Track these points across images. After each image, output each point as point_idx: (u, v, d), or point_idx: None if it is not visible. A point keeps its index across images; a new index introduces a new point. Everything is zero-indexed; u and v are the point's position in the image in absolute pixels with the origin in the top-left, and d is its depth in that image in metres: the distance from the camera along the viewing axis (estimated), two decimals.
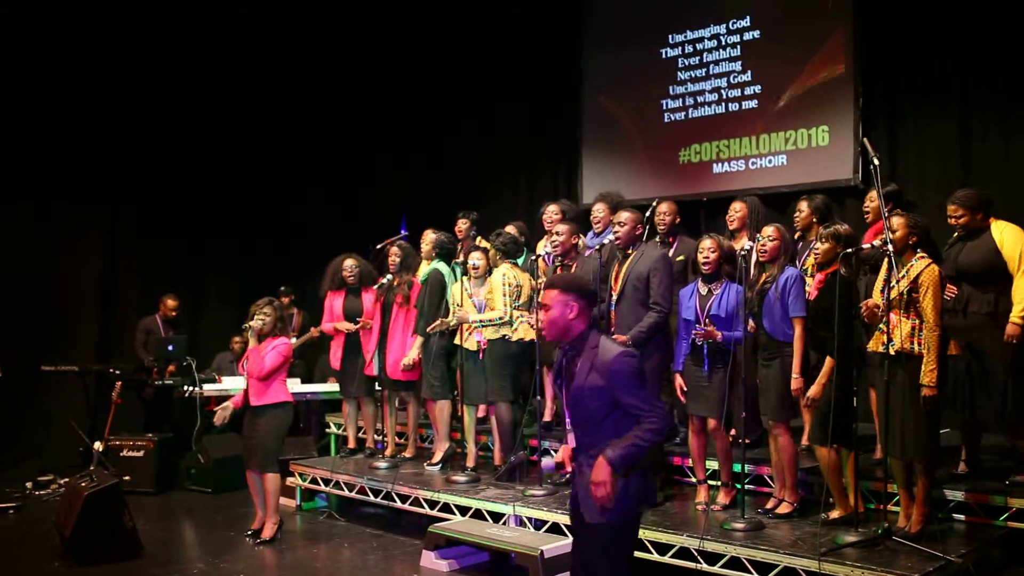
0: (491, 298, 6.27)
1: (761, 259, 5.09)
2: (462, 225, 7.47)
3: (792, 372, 4.88)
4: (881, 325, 4.66)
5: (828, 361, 4.70)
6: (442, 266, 6.84)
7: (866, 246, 4.83)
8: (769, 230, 5.10)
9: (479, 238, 7.35)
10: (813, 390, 4.75)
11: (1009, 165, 6.62)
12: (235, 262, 10.79)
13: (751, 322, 5.13)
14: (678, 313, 5.38)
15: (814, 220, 5.87)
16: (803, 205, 6.06)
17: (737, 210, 6.20)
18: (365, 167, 10.86)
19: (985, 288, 4.99)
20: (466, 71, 10.20)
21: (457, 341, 6.48)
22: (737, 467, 5.31)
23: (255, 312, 6.14)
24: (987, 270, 4.97)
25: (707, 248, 5.23)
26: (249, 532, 6.31)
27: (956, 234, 5.22)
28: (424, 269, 6.97)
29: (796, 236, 6.11)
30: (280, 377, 6.16)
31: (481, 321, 6.21)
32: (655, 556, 4.92)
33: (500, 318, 6.17)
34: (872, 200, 5.63)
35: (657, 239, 6.36)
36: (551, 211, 6.76)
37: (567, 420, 3.50)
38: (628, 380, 3.27)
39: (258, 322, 6.07)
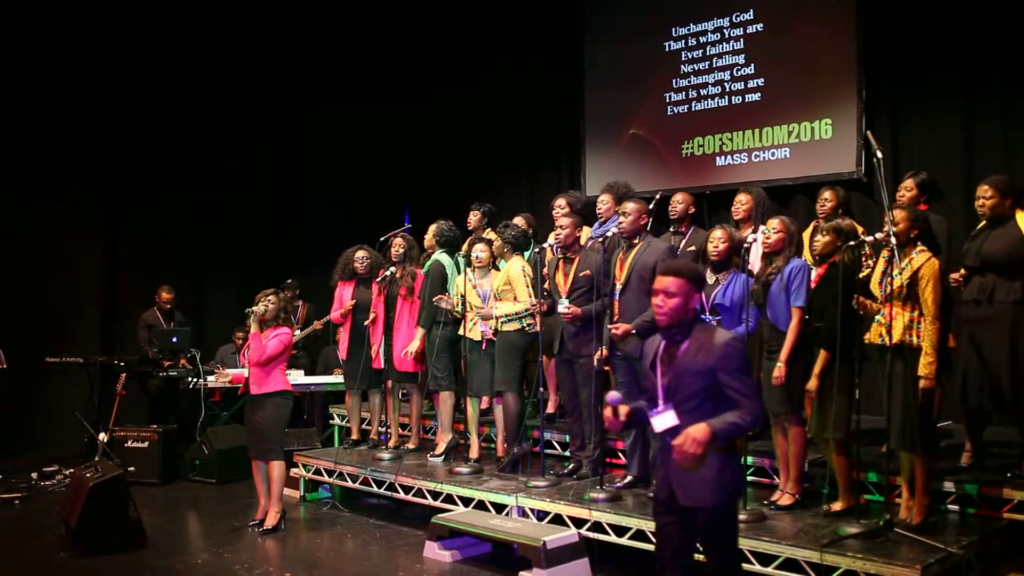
0: (507, 289, 6.25)
1: (766, 251, 5.09)
2: (473, 218, 7.47)
3: (778, 360, 4.88)
4: (879, 317, 4.67)
5: (822, 354, 4.71)
6: (443, 257, 6.86)
7: (868, 238, 4.83)
8: (774, 222, 5.10)
9: (489, 230, 7.36)
10: (811, 383, 4.76)
11: (1011, 159, 6.60)
12: (236, 257, 10.83)
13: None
14: None
15: (839, 211, 5.85)
16: (828, 194, 6.03)
17: (743, 202, 6.19)
18: (366, 163, 10.86)
19: (1011, 277, 4.92)
20: (467, 65, 10.18)
21: (461, 332, 6.50)
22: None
23: (259, 299, 6.20)
24: (1013, 259, 4.92)
25: (717, 238, 5.24)
26: (253, 522, 6.34)
27: (980, 224, 5.17)
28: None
29: (813, 224, 6.08)
30: (280, 366, 6.21)
31: (508, 316, 6.19)
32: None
33: (527, 310, 6.17)
34: (908, 190, 5.61)
35: (671, 229, 6.37)
36: (558, 204, 6.78)
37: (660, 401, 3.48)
38: (737, 364, 3.34)
39: (261, 307, 6.14)
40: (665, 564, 3.52)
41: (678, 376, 3.39)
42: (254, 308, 6.15)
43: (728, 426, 3.27)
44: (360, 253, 7.20)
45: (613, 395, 3.51)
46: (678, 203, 6.35)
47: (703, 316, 5.16)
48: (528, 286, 6.20)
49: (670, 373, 3.42)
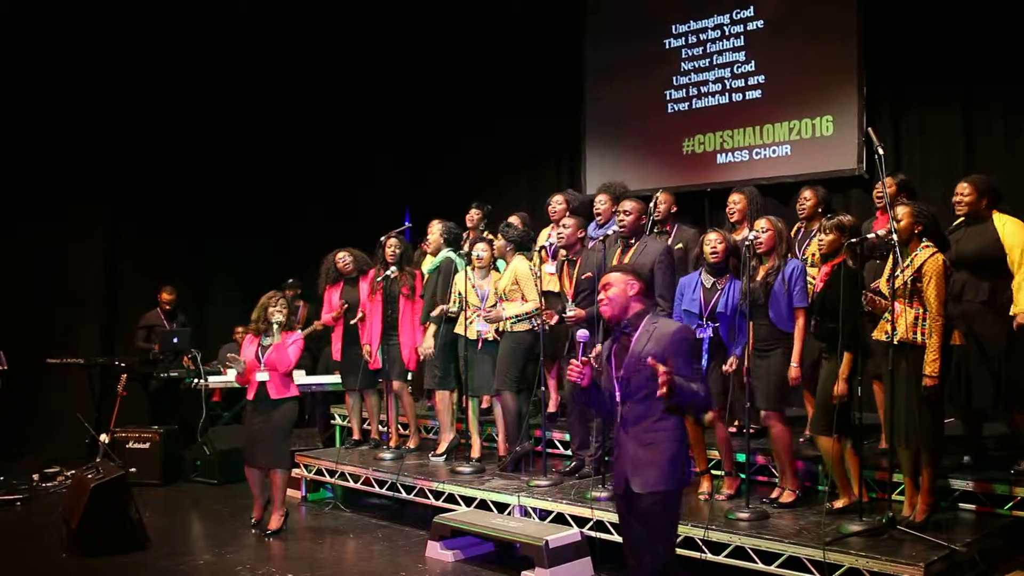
0: (515, 289, 6.22)
1: (758, 251, 5.08)
2: (474, 215, 7.46)
3: (792, 361, 4.88)
4: (886, 314, 4.66)
5: (847, 356, 4.66)
6: (453, 255, 6.84)
7: (871, 236, 4.82)
8: (762, 223, 5.12)
9: (486, 231, 7.35)
10: (840, 387, 4.68)
11: (1013, 157, 6.59)
12: (236, 257, 10.84)
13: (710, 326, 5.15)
14: (676, 302, 5.36)
15: (819, 209, 5.88)
16: (808, 193, 6.06)
17: (736, 202, 6.19)
18: (365, 163, 10.84)
19: (982, 276, 5.01)
20: (467, 63, 10.17)
21: (459, 330, 6.48)
22: (741, 457, 5.30)
23: (268, 305, 6.18)
24: (985, 259, 4.99)
25: (714, 240, 5.20)
26: (253, 523, 6.34)
27: (956, 222, 5.24)
28: (432, 260, 6.97)
29: (798, 226, 6.10)
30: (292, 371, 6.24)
31: (518, 316, 6.16)
32: None
33: (536, 308, 6.14)
34: (888, 186, 5.61)
35: (655, 229, 6.36)
36: (555, 201, 6.77)
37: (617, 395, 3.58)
38: (686, 351, 3.48)
39: (280, 316, 6.13)
40: (632, 557, 3.59)
41: (630, 364, 3.47)
42: (274, 319, 6.10)
43: (687, 388, 3.35)
44: (341, 254, 7.21)
45: (583, 333, 3.60)
46: (660, 203, 6.34)
47: (701, 323, 5.15)
48: (537, 284, 6.18)
49: (626, 362, 3.51)
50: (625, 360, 3.52)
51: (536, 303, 6.11)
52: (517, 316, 6.16)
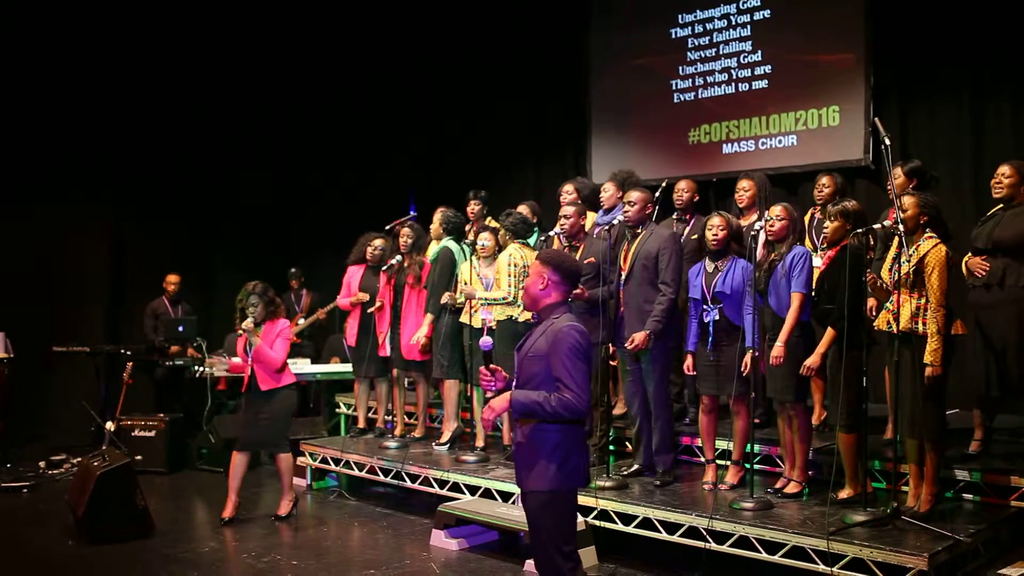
0: (500, 278, 6.28)
1: (769, 238, 5.07)
2: (474, 206, 7.46)
3: (778, 341, 4.89)
4: (888, 304, 4.65)
5: (829, 332, 4.69)
6: (452, 244, 6.85)
7: (876, 226, 4.81)
8: (777, 209, 5.10)
9: (489, 218, 7.34)
10: (812, 359, 4.75)
11: (1021, 145, 6.55)
12: (241, 245, 10.86)
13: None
14: (688, 292, 5.38)
15: (835, 196, 5.84)
16: (826, 180, 6.03)
17: (746, 188, 6.17)
18: (371, 152, 10.83)
19: (1022, 261, 4.96)
20: (472, 55, 10.13)
21: (464, 319, 6.49)
22: (747, 447, 5.31)
23: (239, 304, 6.09)
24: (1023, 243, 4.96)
25: (716, 226, 5.22)
26: (223, 521, 6.18)
27: (993, 209, 5.19)
28: (434, 248, 6.97)
29: (811, 211, 6.07)
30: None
31: (486, 299, 6.23)
32: (664, 535, 4.93)
33: (504, 298, 6.19)
34: (896, 178, 5.60)
35: (674, 216, 6.36)
36: (566, 190, 6.76)
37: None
38: (568, 351, 3.29)
39: (250, 320, 6.00)
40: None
41: (523, 358, 3.43)
42: (245, 325, 5.99)
43: (528, 402, 3.32)
44: (378, 241, 7.18)
45: (486, 341, 3.52)
46: (684, 192, 6.33)
47: (705, 306, 5.17)
48: (511, 275, 6.20)
49: (520, 353, 3.48)
50: (520, 351, 3.48)
51: (504, 292, 6.19)
52: (486, 298, 6.24)
